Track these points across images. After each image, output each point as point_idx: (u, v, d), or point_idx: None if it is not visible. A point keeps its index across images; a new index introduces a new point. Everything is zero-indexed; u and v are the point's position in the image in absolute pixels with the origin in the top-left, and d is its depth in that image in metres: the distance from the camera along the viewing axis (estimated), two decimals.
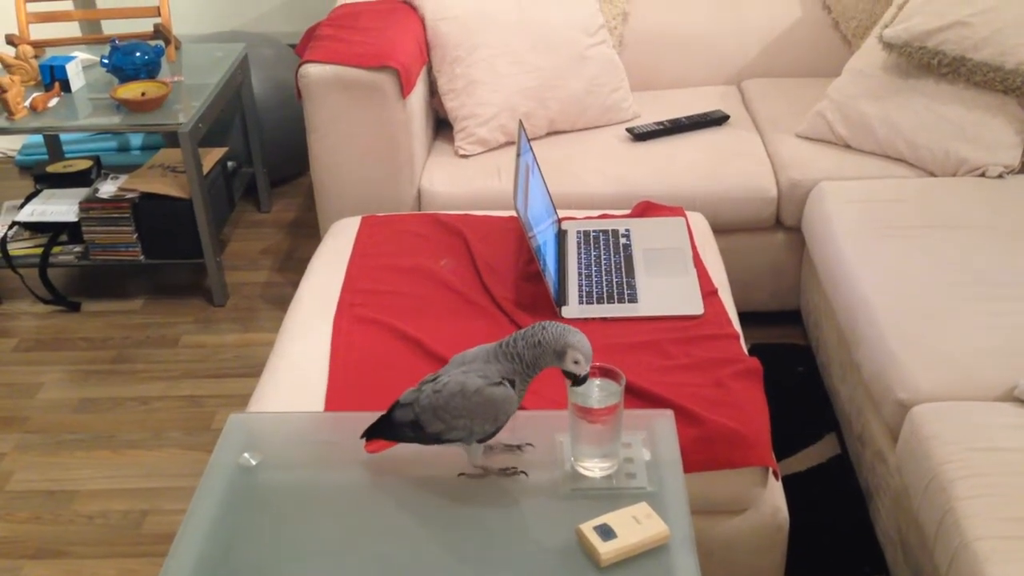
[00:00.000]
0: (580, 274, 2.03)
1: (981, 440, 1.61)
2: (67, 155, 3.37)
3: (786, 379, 2.46)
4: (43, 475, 2.32)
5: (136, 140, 3.57)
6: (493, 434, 1.37)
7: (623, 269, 2.04)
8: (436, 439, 1.37)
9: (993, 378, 1.75)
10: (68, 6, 3.59)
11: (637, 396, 1.69)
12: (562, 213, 2.28)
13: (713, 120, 2.69)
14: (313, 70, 2.42)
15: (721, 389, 1.72)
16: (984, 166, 2.37)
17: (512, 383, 1.34)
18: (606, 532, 1.27)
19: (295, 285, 2.14)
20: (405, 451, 1.43)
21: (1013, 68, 2.33)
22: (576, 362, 1.32)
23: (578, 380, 1.33)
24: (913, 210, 2.23)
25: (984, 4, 2.36)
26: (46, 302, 2.92)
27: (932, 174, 2.43)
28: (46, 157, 3.38)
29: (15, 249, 2.89)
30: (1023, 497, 1.50)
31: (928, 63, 2.40)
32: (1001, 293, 1.94)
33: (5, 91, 2.68)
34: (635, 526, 1.28)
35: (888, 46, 2.45)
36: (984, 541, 1.44)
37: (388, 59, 2.41)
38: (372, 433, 1.42)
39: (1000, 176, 2.36)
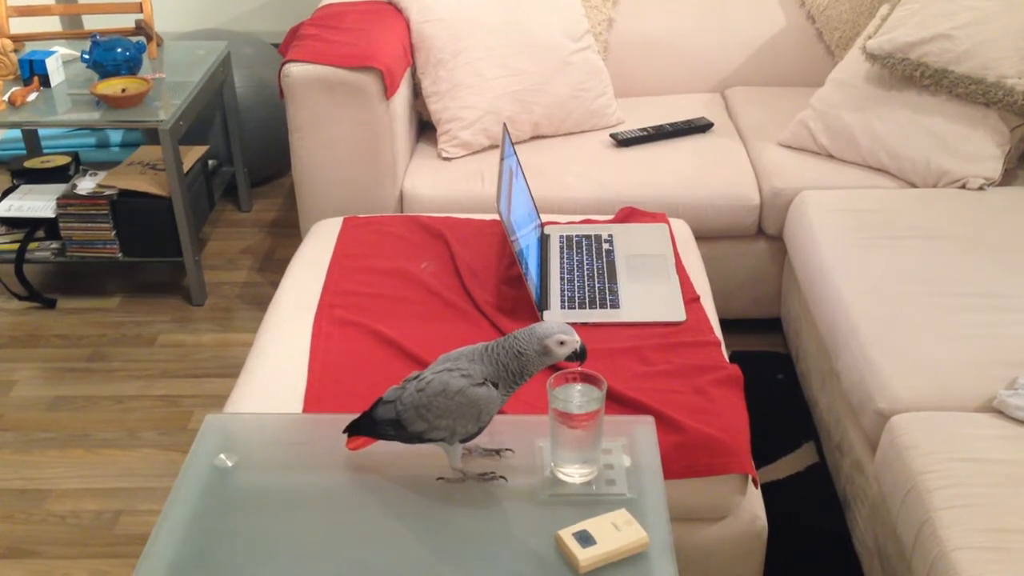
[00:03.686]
0: (562, 279, 2.03)
1: (960, 450, 1.61)
2: (45, 151, 3.34)
3: (766, 387, 2.47)
4: (15, 474, 2.29)
5: (116, 137, 3.54)
6: (476, 434, 1.36)
7: (605, 275, 2.04)
8: (418, 438, 1.36)
9: (972, 389, 1.76)
10: (49, 1, 3.56)
11: (618, 402, 1.68)
12: (545, 218, 2.27)
13: (697, 127, 2.69)
14: (296, 69, 2.41)
15: (702, 396, 1.72)
16: (965, 178, 2.39)
17: (495, 385, 1.33)
18: (585, 538, 1.26)
19: (274, 285, 2.13)
20: (384, 454, 1.42)
21: (994, 81, 2.34)
22: (562, 343, 1.32)
23: (580, 355, 1.33)
24: (894, 220, 2.24)
25: (966, 18, 2.37)
26: (21, 298, 2.89)
27: (913, 185, 2.44)
28: (24, 152, 3.35)
29: None
30: (1001, 508, 1.51)
31: (911, 75, 2.42)
32: (981, 304, 1.95)
33: None
34: (614, 533, 1.27)
35: (871, 57, 2.46)
36: (962, 551, 1.45)
37: (372, 60, 2.40)
38: (354, 430, 1.41)
39: (981, 188, 2.38)
